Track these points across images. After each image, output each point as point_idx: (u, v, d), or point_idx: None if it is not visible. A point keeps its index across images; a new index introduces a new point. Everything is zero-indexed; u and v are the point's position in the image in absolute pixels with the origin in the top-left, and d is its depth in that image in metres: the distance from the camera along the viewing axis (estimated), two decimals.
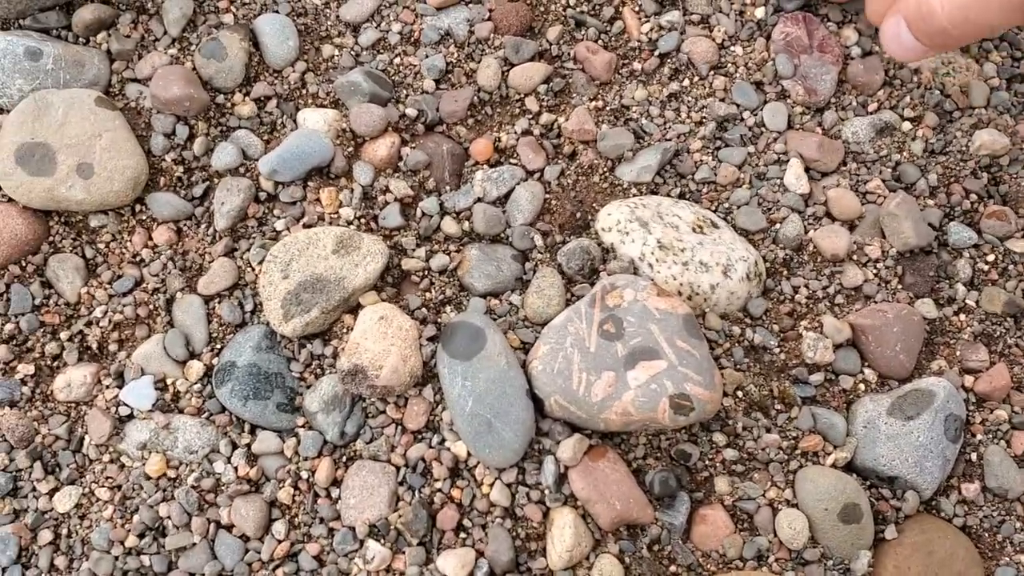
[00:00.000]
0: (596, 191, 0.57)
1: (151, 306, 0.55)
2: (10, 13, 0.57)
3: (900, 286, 0.56)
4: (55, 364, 0.54)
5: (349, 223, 0.55)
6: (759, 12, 0.60)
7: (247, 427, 0.52)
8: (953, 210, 0.58)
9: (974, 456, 0.54)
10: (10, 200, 0.55)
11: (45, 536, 0.51)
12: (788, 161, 0.57)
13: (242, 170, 0.56)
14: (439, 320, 0.53)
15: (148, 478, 0.51)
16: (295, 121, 0.57)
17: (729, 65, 0.60)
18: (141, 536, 0.50)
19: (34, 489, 0.52)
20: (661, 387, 0.47)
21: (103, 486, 0.52)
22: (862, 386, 0.54)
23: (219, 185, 0.56)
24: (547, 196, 0.56)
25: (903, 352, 0.54)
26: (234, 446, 0.52)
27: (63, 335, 0.54)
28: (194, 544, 0.50)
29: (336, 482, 0.51)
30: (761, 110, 0.59)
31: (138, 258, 0.56)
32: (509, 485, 0.49)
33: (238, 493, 0.50)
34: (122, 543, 0.50)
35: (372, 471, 0.50)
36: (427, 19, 0.60)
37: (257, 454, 0.51)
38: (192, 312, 0.54)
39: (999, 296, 0.56)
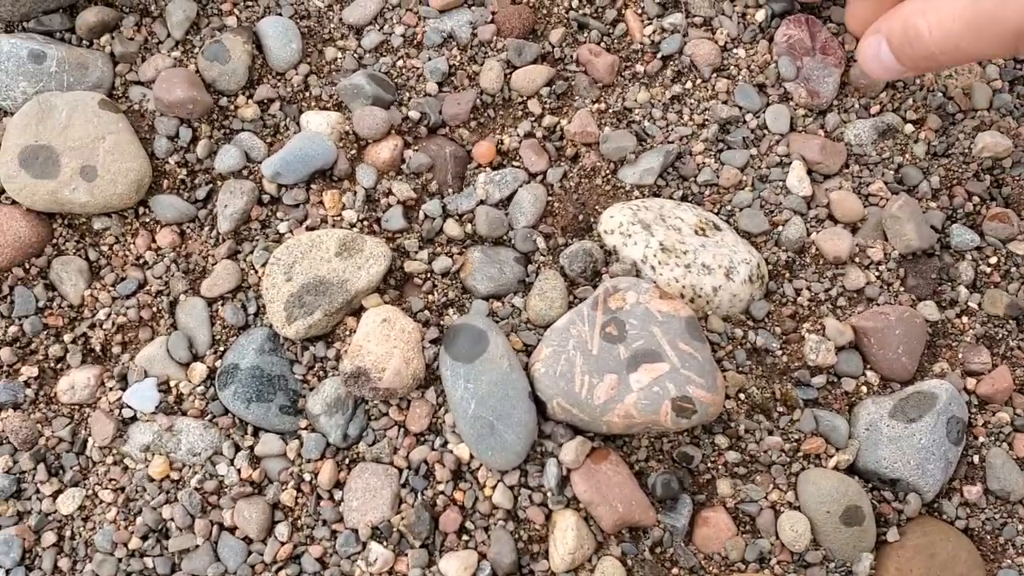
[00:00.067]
0: (598, 193, 0.57)
1: (154, 308, 0.55)
2: (14, 16, 0.57)
3: (902, 288, 0.56)
4: (59, 366, 0.54)
5: (352, 226, 0.55)
6: (759, 15, 0.60)
7: (250, 429, 0.52)
8: (955, 212, 0.58)
9: (976, 458, 0.54)
10: (14, 203, 0.55)
11: (49, 538, 0.51)
12: (790, 163, 0.57)
13: (245, 173, 0.57)
14: (442, 322, 0.53)
15: (151, 480, 0.51)
16: (298, 124, 0.58)
17: (731, 67, 0.60)
18: (144, 538, 0.50)
19: (38, 491, 0.52)
20: (663, 390, 0.47)
21: (106, 488, 0.52)
22: (864, 388, 0.54)
23: (222, 188, 0.56)
24: (549, 198, 0.56)
25: (905, 354, 0.54)
26: (237, 448, 0.52)
27: (66, 337, 0.54)
28: (197, 546, 0.50)
29: (339, 484, 0.51)
30: (763, 112, 0.59)
31: (141, 260, 0.56)
32: (511, 487, 0.49)
33: (241, 495, 0.50)
34: (125, 545, 0.50)
35: (375, 473, 0.50)
36: (430, 22, 0.60)
37: (260, 456, 0.51)
38: (195, 314, 0.54)
39: (1001, 298, 0.56)
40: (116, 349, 0.54)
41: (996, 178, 0.59)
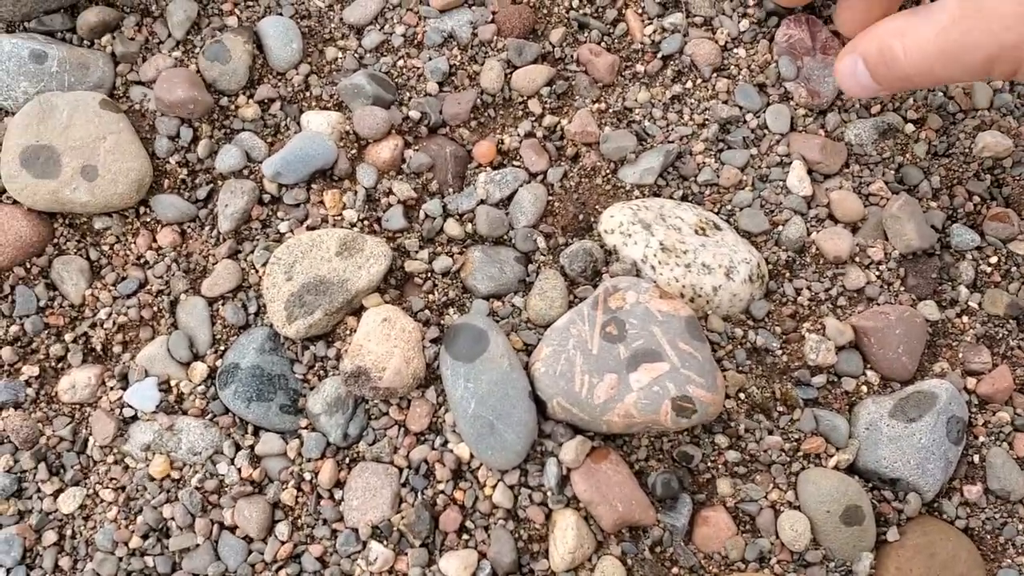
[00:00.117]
0: (599, 193, 0.57)
1: (155, 308, 0.55)
2: (15, 16, 0.57)
3: (902, 288, 0.56)
4: (59, 366, 0.55)
5: (352, 225, 0.55)
6: (756, 15, 0.60)
7: (250, 429, 0.52)
8: (956, 212, 0.58)
9: (976, 458, 0.54)
10: (15, 202, 0.55)
11: (49, 537, 0.51)
12: (791, 163, 0.57)
13: (246, 172, 0.57)
14: (442, 322, 0.53)
15: (152, 479, 0.51)
16: (299, 123, 0.58)
17: (732, 67, 0.60)
18: (145, 537, 0.51)
19: (39, 490, 0.52)
20: (663, 389, 0.47)
21: (107, 487, 0.52)
22: (864, 388, 0.54)
23: (223, 187, 0.56)
24: (550, 198, 0.56)
25: (905, 354, 0.54)
26: (237, 447, 0.52)
27: (67, 337, 0.54)
28: (197, 545, 0.50)
29: (339, 483, 0.51)
30: (764, 112, 0.59)
31: (142, 260, 0.56)
32: (511, 487, 0.49)
33: (241, 494, 0.51)
34: (126, 544, 0.50)
35: (375, 473, 0.50)
36: (430, 21, 0.60)
37: (260, 456, 0.52)
38: (196, 314, 0.54)
39: (1002, 298, 0.56)
40: (117, 348, 0.54)
41: (996, 178, 0.59)
